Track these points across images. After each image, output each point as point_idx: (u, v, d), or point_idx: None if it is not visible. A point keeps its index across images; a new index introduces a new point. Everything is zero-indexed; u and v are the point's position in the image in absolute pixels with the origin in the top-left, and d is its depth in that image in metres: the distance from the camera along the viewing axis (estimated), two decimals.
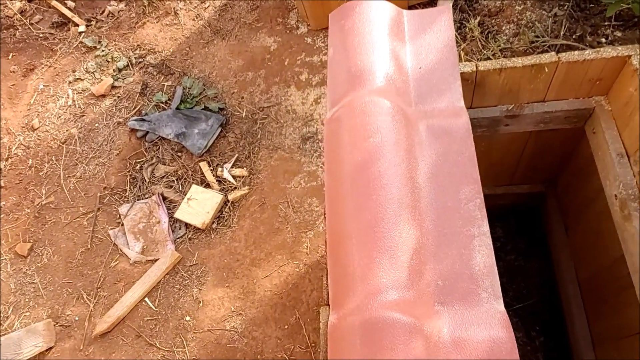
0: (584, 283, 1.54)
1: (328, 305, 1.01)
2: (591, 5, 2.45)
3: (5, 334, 1.96)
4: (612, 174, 1.20)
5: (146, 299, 2.11)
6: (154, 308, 2.08)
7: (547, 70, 1.18)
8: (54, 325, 2.11)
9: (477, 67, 1.21)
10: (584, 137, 1.43)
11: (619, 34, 2.41)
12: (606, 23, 2.41)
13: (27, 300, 2.21)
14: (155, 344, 2.01)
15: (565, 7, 2.44)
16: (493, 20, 2.50)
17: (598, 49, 1.15)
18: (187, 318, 2.05)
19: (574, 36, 2.39)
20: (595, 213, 1.43)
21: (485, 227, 0.98)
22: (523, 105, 1.31)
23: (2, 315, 2.19)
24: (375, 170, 0.99)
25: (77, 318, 2.12)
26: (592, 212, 1.46)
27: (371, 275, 0.90)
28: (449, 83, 1.15)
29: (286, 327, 1.96)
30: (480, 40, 2.43)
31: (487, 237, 0.97)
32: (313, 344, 1.90)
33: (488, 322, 0.89)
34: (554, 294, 1.76)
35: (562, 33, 2.37)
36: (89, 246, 2.29)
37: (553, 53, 1.17)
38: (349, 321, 0.87)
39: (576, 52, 1.17)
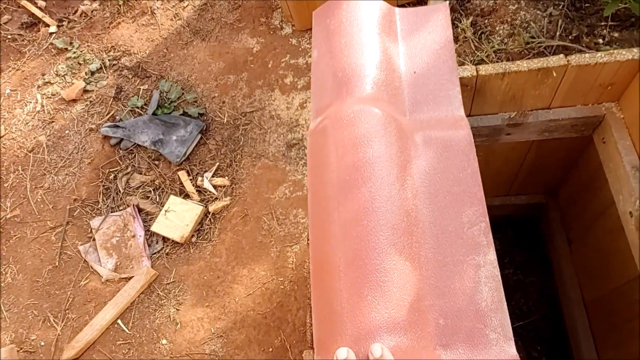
0: (590, 305, 1.43)
1: (312, 348, 0.88)
2: (587, 5, 2.36)
3: None
4: (627, 189, 1.08)
5: (119, 321, 1.94)
6: (127, 331, 1.92)
7: (554, 74, 1.06)
8: (18, 351, 1.94)
9: (477, 72, 1.08)
10: (590, 146, 1.32)
11: (616, 34, 2.32)
12: (603, 23, 2.32)
13: None
14: None
15: (561, 7, 2.34)
16: (486, 21, 2.39)
17: (611, 51, 1.04)
18: (164, 341, 1.89)
19: (570, 37, 2.29)
20: (604, 229, 1.32)
21: (492, 256, 0.86)
22: (527, 112, 1.19)
23: None
24: (366, 191, 0.86)
25: (42, 343, 1.95)
26: (600, 227, 1.35)
27: (361, 316, 0.77)
28: (447, 89, 1.02)
29: (271, 349, 1.81)
30: (473, 42, 2.32)
31: (494, 267, 0.85)
32: None
33: None
34: (556, 311, 1.65)
35: (558, 34, 2.27)
36: (57, 263, 2.12)
37: (562, 56, 1.05)
38: None
39: (587, 55, 1.05)
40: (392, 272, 0.80)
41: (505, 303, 0.82)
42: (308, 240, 0.88)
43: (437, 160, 0.95)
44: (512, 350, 0.78)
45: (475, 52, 2.30)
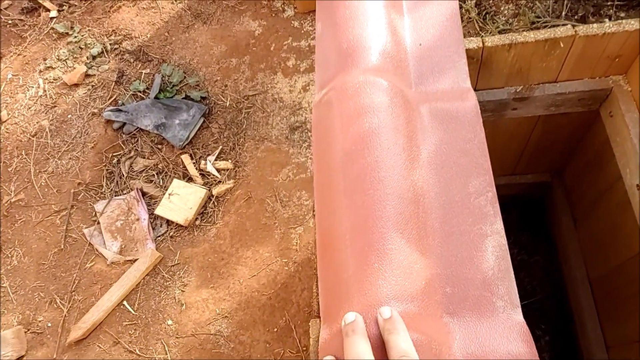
0: (595, 282, 1.43)
1: (319, 317, 0.88)
2: None
3: None
4: (634, 162, 1.07)
5: (124, 302, 1.96)
6: (133, 312, 1.94)
7: (562, 45, 1.05)
8: (25, 332, 1.96)
9: (483, 43, 1.07)
10: (597, 121, 1.31)
11: (622, 14, 2.29)
12: (609, 3, 2.28)
13: None
14: (135, 350, 1.86)
15: None
16: (491, 1, 2.36)
17: (619, 21, 1.02)
18: (169, 322, 1.91)
19: (576, 16, 2.27)
20: (609, 205, 1.31)
21: (499, 225, 0.85)
22: (533, 86, 1.17)
23: None
24: (372, 161, 0.85)
25: (49, 324, 1.97)
26: (605, 204, 1.34)
27: (369, 284, 0.76)
28: (453, 61, 1.01)
29: (275, 330, 1.83)
30: (477, 22, 2.29)
31: (501, 237, 0.84)
32: (304, 348, 1.78)
33: (505, 336, 0.76)
34: (561, 291, 1.65)
35: (563, 13, 2.24)
36: (62, 246, 2.13)
37: (569, 26, 1.04)
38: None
39: (595, 25, 1.03)
40: (398, 240, 0.80)
41: (512, 271, 0.81)
42: (314, 212, 0.87)
43: (443, 132, 0.94)
44: (519, 317, 0.78)
45: (480, 32, 2.27)
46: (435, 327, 0.77)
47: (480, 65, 1.13)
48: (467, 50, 1.07)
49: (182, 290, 1.96)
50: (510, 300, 0.80)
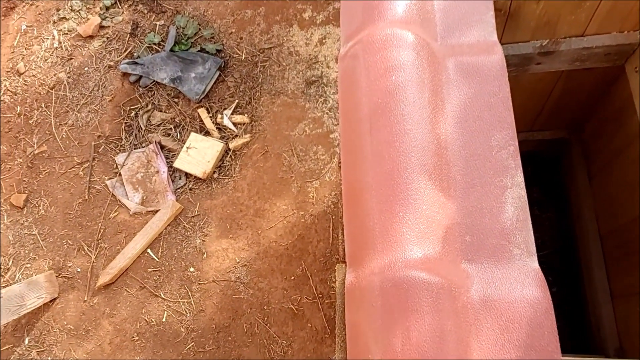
0: (606, 236, 1.47)
1: (344, 262, 0.94)
2: None
3: (6, 286, 1.92)
4: None
5: (148, 250, 2.05)
6: (157, 259, 2.03)
7: None
8: (57, 277, 2.07)
9: None
10: (621, 77, 1.29)
11: None
12: None
13: (27, 252, 2.16)
14: (160, 295, 1.97)
15: None
16: None
17: None
18: (192, 269, 2.01)
19: None
20: (626, 163, 1.33)
21: (520, 178, 0.88)
22: (559, 40, 1.16)
23: (2, 267, 2.15)
24: (397, 114, 0.87)
25: (79, 270, 2.08)
26: (623, 160, 1.36)
27: (393, 231, 0.81)
28: (480, 13, 1.00)
29: (292, 278, 1.91)
30: None
31: (521, 189, 0.87)
32: (320, 295, 1.87)
33: (521, 281, 0.81)
34: (570, 246, 1.70)
35: None
36: (87, 197, 2.21)
37: None
38: (369, 281, 0.79)
39: None
40: (422, 190, 0.84)
41: (530, 222, 0.85)
42: (339, 163, 0.90)
43: (468, 86, 0.95)
44: (534, 264, 0.82)
45: None
46: (455, 272, 0.82)
47: (507, 18, 1.12)
48: (496, 2, 1.06)
49: (202, 240, 2.04)
50: (527, 248, 0.84)
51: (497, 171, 0.89)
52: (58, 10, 2.66)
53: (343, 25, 1.05)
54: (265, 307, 1.89)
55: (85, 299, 2.01)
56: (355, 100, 0.93)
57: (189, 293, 1.96)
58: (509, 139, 0.90)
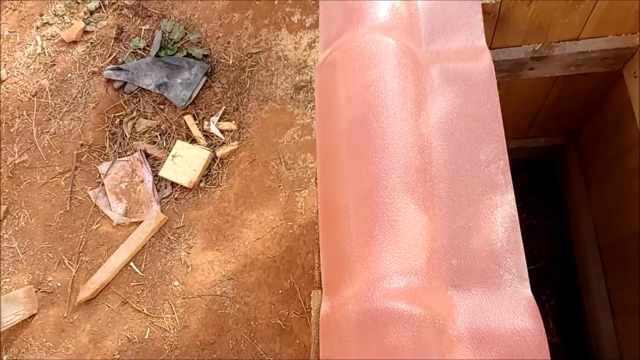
0: (605, 248, 1.40)
1: (320, 288, 0.87)
2: None
3: None
4: None
5: (131, 263, 1.98)
6: (140, 273, 1.96)
7: None
8: (36, 291, 2.00)
9: None
10: (618, 82, 1.23)
11: None
12: None
13: (6, 265, 2.08)
14: (143, 310, 1.90)
15: None
16: None
17: None
18: (176, 283, 1.93)
19: None
20: (625, 171, 1.26)
21: (510, 195, 0.81)
22: (553, 44, 1.09)
23: None
24: (377, 127, 0.81)
25: (59, 284, 2.00)
26: (622, 168, 1.29)
27: (372, 256, 0.74)
28: (468, 17, 0.93)
29: (280, 292, 1.84)
30: None
31: (511, 207, 0.80)
32: (309, 310, 1.80)
33: (512, 310, 0.74)
34: (567, 256, 1.63)
35: None
36: (68, 208, 2.14)
37: None
38: (345, 311, 0.72)
39: None
40: (403, 211, 0.77)
41: (521, 244, 0.78)
42: (316, 180, 0.84)
43: (454, 95, 0.88)
44: (526, 291, 0.76)
45: None
46: (440, 301, 0.75)
47: (496, 22, 1.05)
48: (484, 5, 0.99)
49: (187, 252, 1.97)
50: (518, 273, 0.77)
51: (485, 188, 0.82)
52: (41, 15, 2.60)
53: (322, 30, 0.98)
54: (252, 323, 1.82)
55: (65, 315, 1.93)
56: (332, 112, 0.86)
57: (173, 308, 1.89)
58: (499, 153, 0.83)
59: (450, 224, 0.80)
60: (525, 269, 0.77)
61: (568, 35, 1.08)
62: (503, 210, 0.80)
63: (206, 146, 2.20)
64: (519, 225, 0.79)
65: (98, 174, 2.20)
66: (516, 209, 0.80)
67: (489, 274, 0.77)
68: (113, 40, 2.47)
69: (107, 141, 2.28)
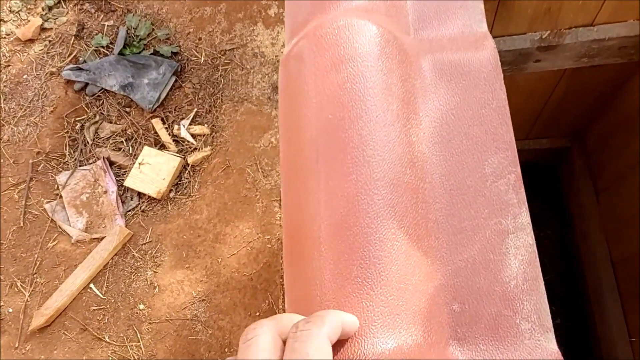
0: (619, 264, 1.24)
1: None
2: None
3: None
4: None
5: (91, 285, 1.78)
6: (102, 296, 1.76)
7: None
8: None
9: None
10: (634, 74, 1.07)
11: None
12: None
13: None
14: (104, 337, 1.70)
15: None
16: None
17: None
18: (141, 306, 1.74)
19: None
20: None
21: (525, 218, 0.64)
22: (563, 31, 0.93)
23: None
24: (355, 135, 0.63)
25: (10, 310, 1.79)
26: (636, 176, 1.13)
27: (349, 306, 0.56)
28: None
29: (257, 314, 1.66)
30: None
31: (527, 234, 0.63)
32: None
33: None
34: (575, 270, 1.47)
35: None
36: (22, 224, 1.93)
37: None
38: None
39: None
40: (390, 243, 0.59)
41: (542, 281, 0.61)
42: (280, 200, 0.69)
43: (451, 93, 0.71)
44: (551, 345, 0.58)
45: None
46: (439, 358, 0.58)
47: (498, 5, 0.88)
48: None
49: (154, 271, 1.78)
50: (539, 321, 0.60)
51: (493, 210, 0.65)
52: None
53: (287, 16, 0.80)
54: (226, 350, 1.63)
55: (17, 344, 1.73)
56: (299, 116, 0.68)
57: (138, 335, 1.69)
58: (508, 164, 0.66)
59: (450, 258, 0.63)
60: (548, 314, 0.60)
61: (581, 21, 0.92)
62: (516, 238, 0.63)
63: (176, 152, 2.01)
64: (537, 256, 0.62)
65: (56, 185, 2.00)
66: (533, 237, 0.63)
67: (501, 322, 0.60)
68: (73, 37, 2.26)
69: (67, 148, 2.07)
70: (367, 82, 0.65)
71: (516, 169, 0.65)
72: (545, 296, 0.60)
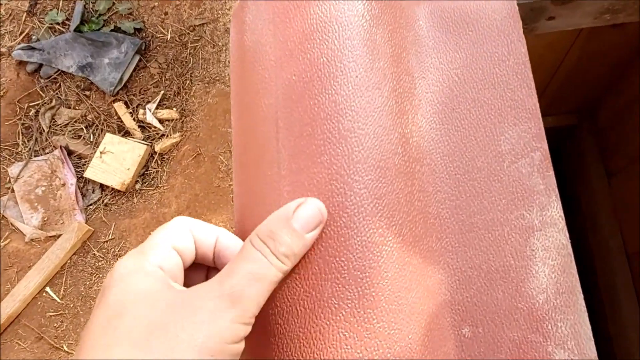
0: (635, 257, 1.10)
1: None
2: None
3: None
4: None
5: (47, 288, 1.60)
6: (59, 300, 1.59)
7: None
8: None
9: None
10: None
11: None
12: None
13: None
14: (63, 346, 1.53)
15: None
16: None
17: None
18: None
19: None
20: None
21: (556, 210, 0.49)
22: None
23: None
24: (328, 101, 0.46)
25: None
26: None
27: (326, 337, 0.41)
28: None
29: None
30: None
31: (558, 231, 0.48)
32: None
33: None
34: (583, 263, 1.33)
35: None
36: None
37: None
38: None
39: None
40: (376, 249, 0.43)
41: (580, 295, 0.46)
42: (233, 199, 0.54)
43: (455, 48, 0.55)
44: None
45: None
46: None
47: None
48: None
49: None
50: (578, 348, 0.45)
51: (513, 199, 0.49)
52: None
53: None
54: None
55: None
56: (252, 79, 0.52)
57: None
58: (532, 139, 0.50)
59: (457, 266, 0.47)
60: (591, 339, 0.45)
61: None
62: (545, 237, 0.48)
63: (142, 139, 1.82)
64: (573, 261, 0.47)
65: (8, 178, 1.80)
66: (567, 234, 0.48)
67: (527, 350, 0.45)
68: (25, 14, 2.04)
69: (20, 137, 1.87)
70: (343, 32, 0.48)
71: (542, 144, 0.50)
72: (586, 314, 0.45)
